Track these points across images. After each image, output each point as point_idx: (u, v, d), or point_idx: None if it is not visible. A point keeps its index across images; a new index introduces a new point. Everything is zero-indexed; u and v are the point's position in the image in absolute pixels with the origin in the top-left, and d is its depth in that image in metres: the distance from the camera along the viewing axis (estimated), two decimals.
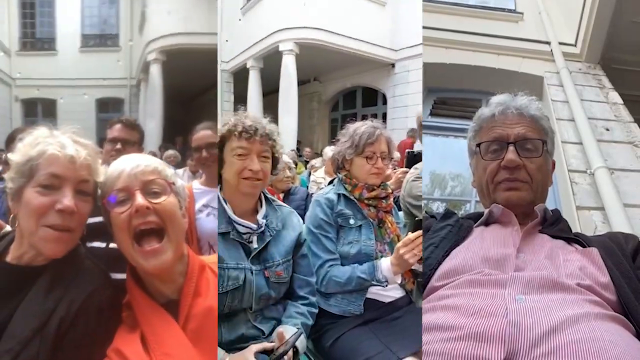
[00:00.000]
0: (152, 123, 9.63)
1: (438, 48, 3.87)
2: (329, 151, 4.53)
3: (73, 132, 1.19)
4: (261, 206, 1.65)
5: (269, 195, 1.73)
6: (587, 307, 0.98)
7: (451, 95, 4.02)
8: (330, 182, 2.18)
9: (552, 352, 0.86)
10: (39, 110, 11.34)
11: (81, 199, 1.13)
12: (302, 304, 1.66)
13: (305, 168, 6.83)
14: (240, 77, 11.92)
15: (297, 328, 1.52)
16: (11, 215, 1.17)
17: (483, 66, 3.98)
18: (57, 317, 1.06)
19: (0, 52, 11.03)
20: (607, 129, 3.39)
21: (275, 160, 1.65)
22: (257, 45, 11.01)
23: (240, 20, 11.80)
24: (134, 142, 2.28)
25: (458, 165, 3.26)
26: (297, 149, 10.07)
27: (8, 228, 1.29)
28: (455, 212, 1.47)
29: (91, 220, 1.21)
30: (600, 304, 1.02)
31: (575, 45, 4.25)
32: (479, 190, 1.45)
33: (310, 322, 1.65)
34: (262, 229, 1.59)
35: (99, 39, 11.51)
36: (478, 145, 1.41)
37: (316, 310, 1.70)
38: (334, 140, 2.15)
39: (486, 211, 1.38)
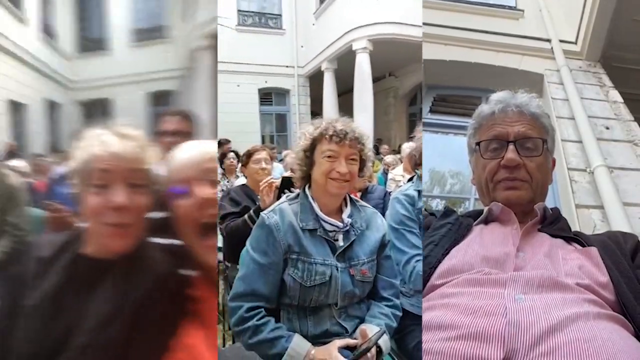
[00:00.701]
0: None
1: (437, 45, 3.85)
2: (406, 147, 4.47)
3: (121, 125, 1.20)
4: (346, 206, 1.70)
5: (353, 196, 1.77)
6: (586, 306, 0.98)
7: (451, 93, 4.01)
8: (410, 180, 2.16)
9: (551, 352, 0.85)
10: (97, 111, 11.39)
11: (135, 191, 1.15)
12: (386, 305, 1.69)
13: None
14: (315, 79, 12.21)
15: (380, 328, 1.56)
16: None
17: (483, 63, 3.97)
18: (131, 301, 1.11)
19: (59, 57, 11.13)
20: (607, 128, 3.39)
21: (362, 163, 1.68)
22: (331, 47, 11.14)
23: (314, 24, 12.05)
24: (188, 133, 2.28)
25: (457, 163, 3.26)
26: (376, 146, 9.92)
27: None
28: (455, 210, 1.47)
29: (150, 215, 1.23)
30: (599, 303, 1.01)
31: (575, 43, 4.24)
32: (479, 188, 1.44)
33: (394, 324, 1.68)
34: (347, 227, 1.64)
35: (148, 33, 11.55)
36: (477, 143, 1.40)
37: (400, 313, 1.72)
38: (411, 136, 2.13)
39: (485, 209, 1.37)
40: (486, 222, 1.37)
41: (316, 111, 12.09)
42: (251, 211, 2.52)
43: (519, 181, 1.32)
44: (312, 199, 1.65)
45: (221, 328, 3.39)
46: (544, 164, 1.36)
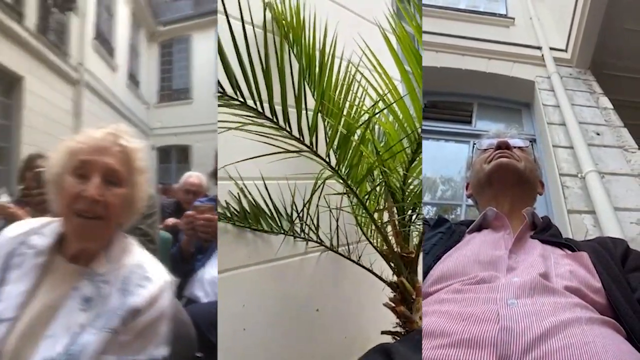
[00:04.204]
0: None
1: (429, 52, 3.87)
2: None
3: None
4: None
5: None
6: (578, 311, 0.97)
7: (442, 99, 4.02)
8: None
9: (543, 357, 0.84)
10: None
11: None
12: None
13: None
14: None
15: None
16: None
17: (474, 70, 4.00)
18: None
19: (143, 106, 11.37)
20: (598, 134, 3.41)
21: None
22: None
23: None
24: None
25: (449, 169, 3.26)
26: None
27: None
28: (448, 218, 1.47)
29: None
30: (591, 307, 1.01)
31: (566, 51, 4.28)
32: (476, 190, 1.47)
33: None
34: None
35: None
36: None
37: None
38: None
39: (480, 215, 1.38)
40: (479, 230, 1.38)
41: None
42: None
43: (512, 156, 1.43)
44: None
45: None
46: (534, 170, 1.46)
